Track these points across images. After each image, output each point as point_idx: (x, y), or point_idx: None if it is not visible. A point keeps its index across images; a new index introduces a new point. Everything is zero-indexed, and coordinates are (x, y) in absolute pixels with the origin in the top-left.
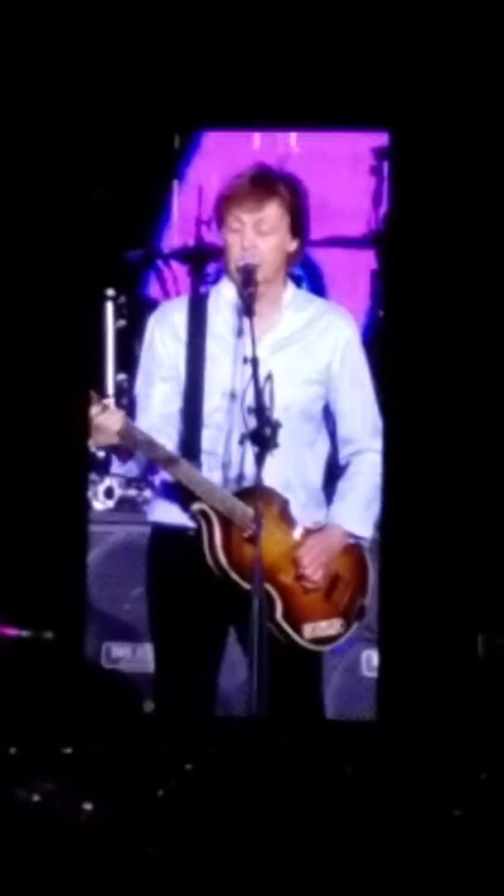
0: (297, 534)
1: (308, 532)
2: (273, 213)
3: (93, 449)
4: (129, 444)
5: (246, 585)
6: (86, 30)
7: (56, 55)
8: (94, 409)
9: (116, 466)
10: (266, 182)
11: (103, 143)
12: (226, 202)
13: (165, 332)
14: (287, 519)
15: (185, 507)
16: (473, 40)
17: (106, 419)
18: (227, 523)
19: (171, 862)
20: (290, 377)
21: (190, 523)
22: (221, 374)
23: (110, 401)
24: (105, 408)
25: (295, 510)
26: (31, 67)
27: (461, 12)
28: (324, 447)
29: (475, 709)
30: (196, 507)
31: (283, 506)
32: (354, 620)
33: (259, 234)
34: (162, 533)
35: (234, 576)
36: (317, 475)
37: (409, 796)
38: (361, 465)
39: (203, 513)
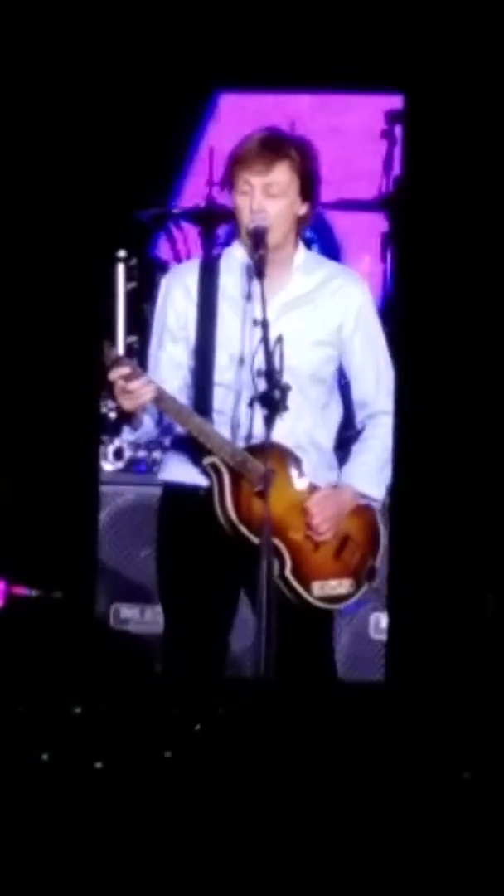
0: (307, 490)
1: (317, 489)
2: (282, 176)
3: (104, 410)
4: (162, 410)
5: (255, 540)
6: None
7: (70, 14)
8: (123, 371)
9: (128, 433)
10: (276, 145)
11: (117, 103)
12: (235, 165)
13: (178, 294)
14: (299, 476)
15: (197, 465)
16: (490, 2)
17: (140, 387)
18: (238, 478)
19: (179, 821)
20: (299, 339)
21: (201, 483)
22: (232, 335)
23: (136, 368)
24: (136, 374)
25: (306, 470)
26: (45, 24)
27: None
28: (336, 410)
29: (483, 671)
30: (208, 460)
31: (296, 463)
32: (364, 581)
33: (268, 197)
34: (173, 493)
35: (244, 530)
36: (328, 438)
37: (418, 758)
38: (376, 428)
39: (214, 466)
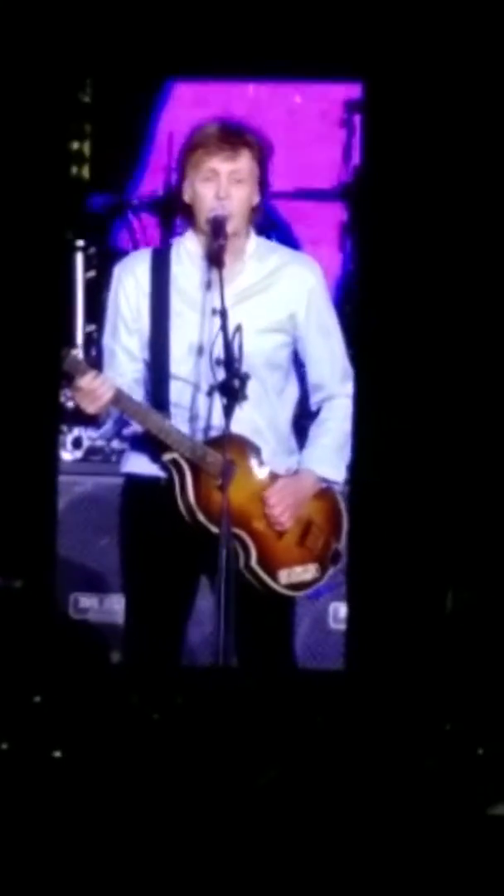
0: (268, 479)
1: (278, 477)
2: (246, 163)
3: (62, 399)
4: (120, 411)
5: (218, 532)
6: None
7: (28, 6)
8: (83, 377)
9: (92, 431)
10: (237, 132)
11: (75, 91)
12: (196, 151)
13: (129, 285)
14: (259, 465)
15: (157, 457)
16: None
17: (98, 386)
18: (198, 472)
19: (139, 810)
20: (254, 326)
21: (162, 473)
22: (187, 326)
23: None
24: (94, 375)
25: (266, 457)
26: (2, 17)
27: None
28: (293, 395)
29: (442, 660)
30: (167, 456)
31: (256, 452)
32: (329, 565)
33: (234, 184)
34: (134, 483)
35: (206, 523)
36: (286, 423)
37: (377, 745)
38: (332, 411)
39: (174, 462)
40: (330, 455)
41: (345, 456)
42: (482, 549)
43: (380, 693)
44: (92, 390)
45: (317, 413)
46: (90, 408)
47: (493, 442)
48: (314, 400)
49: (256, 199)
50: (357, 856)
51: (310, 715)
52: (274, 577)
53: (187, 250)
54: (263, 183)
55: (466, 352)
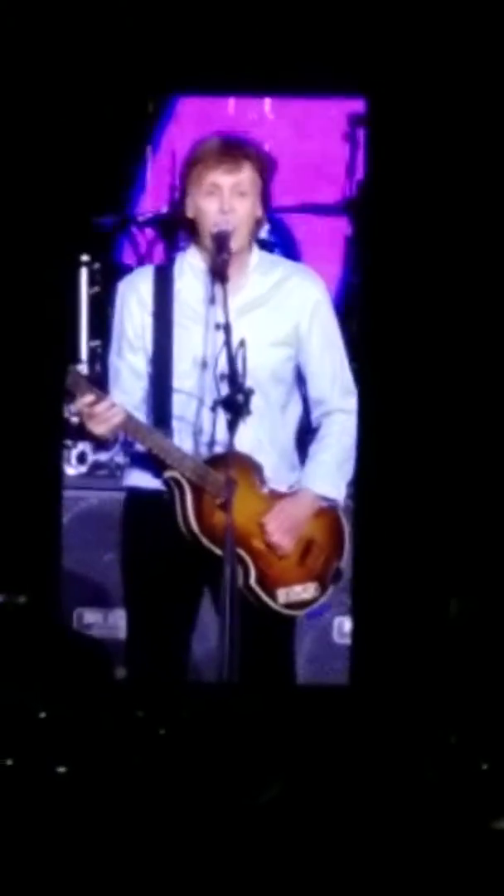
0: (269, 497)
1: (279, 496)
2: (248, 175)
3: (67, 415)
4: (129, 434)
5: (218, 552)
6: None
7: (29, 21)
8: (87, 399)
9: (100, 453)
10: (238, 145)
11: (77, 107)
12: (197, 166)
13: (132, 303)
14: (260, 484)
15: (159, 472)
16: (450, 5)
17: (106, 409)
18: (198, 490)
19: (144, 825)
20: (258, 340)
21: (164, 487)
22: (190, 341)
23: (99, 393)
24: (100, 398)
25: (268, 473)
26: (2, 28)
27: None
28: (296, 410)
29: (447, 674)
30: (168, 474)
31: (257, 471)
32: (330, 584)
33: (237, 196)
34: (136, 498)
35: (207, 542)
36: (289, 438)
37: (381, 760)
38: (332, 427)
39: (175, 480)
40: (329, 473)
41: (345, 473)
42: (485, 563)
43: (384, 707)
44: (100, 413)
45: (317, 429)
46: (98, 429)
47: (496, 455)
48: (315, 415)
49: (259, 213)
50: (362, 871)
51: (314, 730)
52: (272, 597)
53: (190, 265)
54: (266, 196)
55: (470, 365)
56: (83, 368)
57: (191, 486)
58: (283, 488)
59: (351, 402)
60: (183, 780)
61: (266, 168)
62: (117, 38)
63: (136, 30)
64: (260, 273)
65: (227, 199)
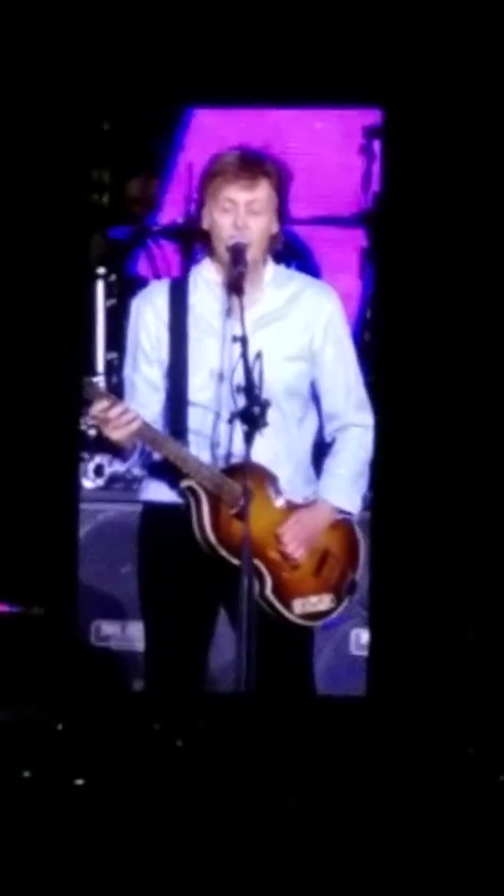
0: (285, 509)
1: (294, 507)
2: (264, 193)
3: (84, 427)
4: (146, 442)
5: (235, 561)
6: (78, 8)
7: (49, 34)
8: (102, 405)
9: (118, 464)
10: (256, 162)
11: (95, 120)
12: (215, 181)
13: (148, 316)
14: (276, 495)
15: (176, 484)
16: (466, 18)
17: (120, 414)
18: (215, 500)
19: (161, 838)
20: (273, 354)
21: (181, 500)
22: (206, 354)
23: (113, 398)
24: (114, 403)
25: (284, 485)
26: (23, 46)
27: None
28: (313, 424)
29: (464, 686)
30: (185, 483)
31: (273, 482)
32: (345, 596)
33: (251, 214)
34: (153, 510)
35: (223, 552)
36: (305, 451)
37: (398, 771)
38: (346, 441)
39: (191, 489)
40: (345, 486)
41: (360, 487)
42: (502, 575)
43: (401, 718)
44: (115, 417)
45: (332, 444)
46: (115, 434)
47: None
48: (329, 430)
49: (275, 228)
50: (378, 883)
51: (331, 742)
52: (288, 607)
53: (205, 278)
54: (282, 211)
55: (488, 380)
56: (100, 381)
57: (207, 496)
58: (298, 500)
59: (365, 417)
60: (199, 793)
61: (283, 184)
62: (134, 50)
63: (153, 42)
64: (275, 287)
65: (241, 215)
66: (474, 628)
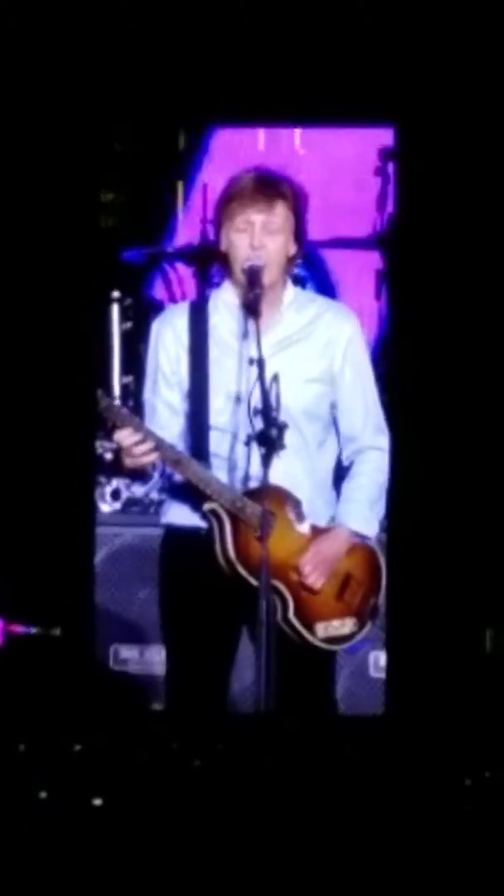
0: (309, 532)
1: (317, 532)
2: (281, 214)
3: (100, 451)
4: (161, 459)
5: (257, 584)
6: (91, 27)
7: (61, 53)
8: (132, 438)
9: (138, 487)
10: (273, 183)
11: (109, 142)
12: (231, 202)
13: (168, 339)
14: (298, 518)
15: (197, 508)
16: (479, 34)
17: (139, 448)
18: (237, 522)
19: (179, 857)
20: (293, 376)
21: (203, 524)
22: (225, 376)
23: (141, 428)
24: (143, 438)
25: (306, 509)
26: (36, 65)
27: (466, 5)
28: (333, 446)
29: (483, 707)
30: (207, 506)
31: (295, 505)
32: (368, 619)
33: (268, 234)
34: (175, 534)
35: (245, 574)
36: (326, 474)
37: (417, 793)
38: (364, 464)
39: (214, 512)
40: (363, 510)
41: (378, 511)
42: None
43: (418, 741)
44: (132, 446)
45: (349, 467)
46: (132, 463)
47: None
48: (346, 453)
49: (293, 250)
50: None
51: (350, 763)
52: (311, 630)
53: (224, 302)
54: (300, 233)
55: None
56: (117, 402)
57: (230, 518)
58: (321, 523)
59: (383, 440)
60: (218, 813)
61: (300, 206)
62: (149, 71)
63: (166, 63)
64: (294, 310)
65: (258, 235)
66: (494, 642)
